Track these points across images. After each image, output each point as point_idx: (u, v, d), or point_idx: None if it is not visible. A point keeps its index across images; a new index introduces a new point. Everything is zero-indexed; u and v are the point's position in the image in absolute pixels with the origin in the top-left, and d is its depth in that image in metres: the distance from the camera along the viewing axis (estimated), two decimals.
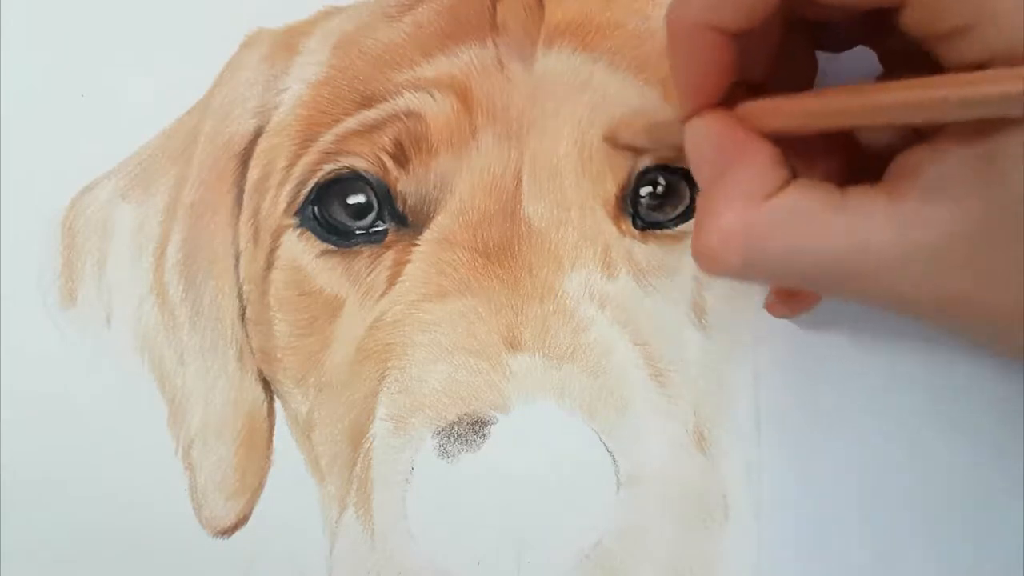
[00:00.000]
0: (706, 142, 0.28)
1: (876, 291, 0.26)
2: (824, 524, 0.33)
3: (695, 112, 0.28)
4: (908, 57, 0.27)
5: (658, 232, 0.34)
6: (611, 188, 0.34)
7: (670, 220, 0.34)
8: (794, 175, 0.27)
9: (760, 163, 0.27)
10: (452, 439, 0.31)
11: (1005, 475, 0.33)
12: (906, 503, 0.33)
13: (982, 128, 0.24)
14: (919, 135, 0.26)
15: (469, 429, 0.31)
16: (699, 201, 0.28)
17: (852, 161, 0.30)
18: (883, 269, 0.25)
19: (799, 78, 0.31)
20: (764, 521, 0.33)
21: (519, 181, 0.34)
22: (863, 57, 0.30)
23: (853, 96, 0.25)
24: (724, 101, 0.28)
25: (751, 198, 0.26)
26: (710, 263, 0.27)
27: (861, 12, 0.26)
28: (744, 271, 0.27)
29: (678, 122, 0.29)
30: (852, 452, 0.33)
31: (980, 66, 0.23)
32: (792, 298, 0.34)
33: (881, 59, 0.30)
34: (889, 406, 0.33)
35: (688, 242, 0.34)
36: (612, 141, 0.33)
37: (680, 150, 0.29)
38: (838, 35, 0.29)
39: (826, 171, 0.29)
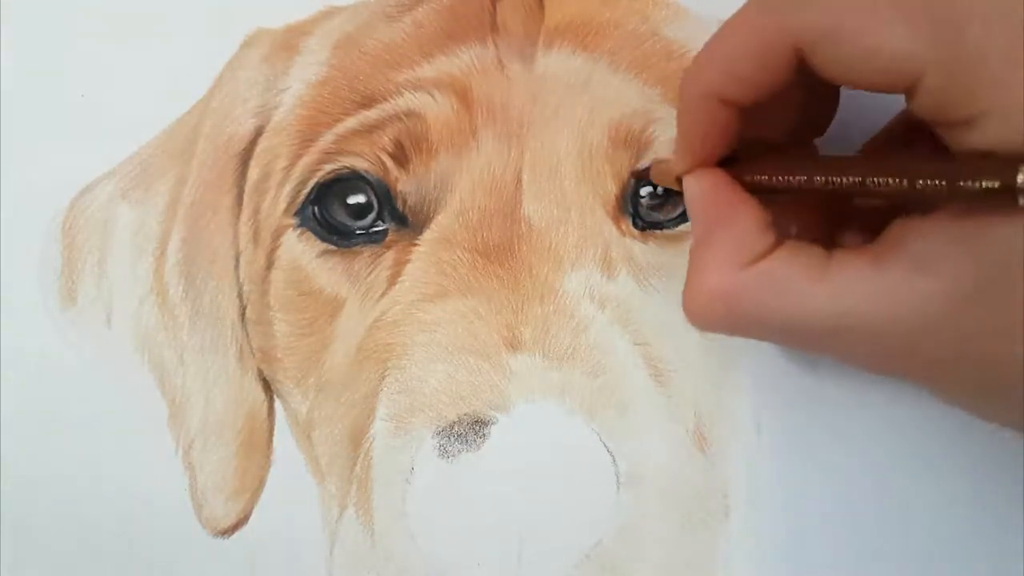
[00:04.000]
0: (697, 200, 0.29)
1: (857, 355, 0.27)
2: (823, 524, 0.33)
3: (692, 168, 0.29)
4: None
5: (658, 232, 0.34)
6: (611, 188, 0.34)
7: (670, 220, 0.34)
8: (782, 237, 0.28)
9: (746, 227, 0.28)
10: (452, 439, 0.31)
11: (1006, 475, 0.33)
12: (906, 503, 0.33)
13: (971, 208, 0.24)
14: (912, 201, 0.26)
15: (469, 429, 0.31)
16: (690, 256, 0.29)
17: (847, 216, 0.30)
18: (864, 336, 0.26)
19: (821, 116, 0.31)
20: (764, 521, 0.33)
21: (519, 181, 0.34)
22: None
23: (844, 168, 0.26)
24: (732, 155, 0.29)
25: (735, 263, 0.27)
26: (697, 320, 0.29)
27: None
28: (728, 330, 0.29)
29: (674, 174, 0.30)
30: (852, 452, 0.33)
31: (985, 153, 0.24)
32: None
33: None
34: (889, 406, 0.33)
35: (689, 242, 0.34)
36: (642, 175, 0.33)
37: None
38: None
39: (818, 224, 0.30)
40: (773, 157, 0.29)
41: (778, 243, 0.27)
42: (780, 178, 0.28)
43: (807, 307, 0.26)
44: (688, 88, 0.28)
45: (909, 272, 0.25)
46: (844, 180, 0.26)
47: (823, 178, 0.27)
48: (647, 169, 0.33)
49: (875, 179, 0.25)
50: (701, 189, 0.29)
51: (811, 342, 0.28)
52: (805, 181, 0.27)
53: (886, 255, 0.26)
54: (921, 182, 0.24)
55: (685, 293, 0.29)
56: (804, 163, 0.28)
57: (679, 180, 0.31)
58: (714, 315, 0.28)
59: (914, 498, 0.33)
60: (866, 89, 0.26)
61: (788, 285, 0.26)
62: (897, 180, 0.25)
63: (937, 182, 0.24)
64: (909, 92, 0.25)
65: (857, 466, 0.33)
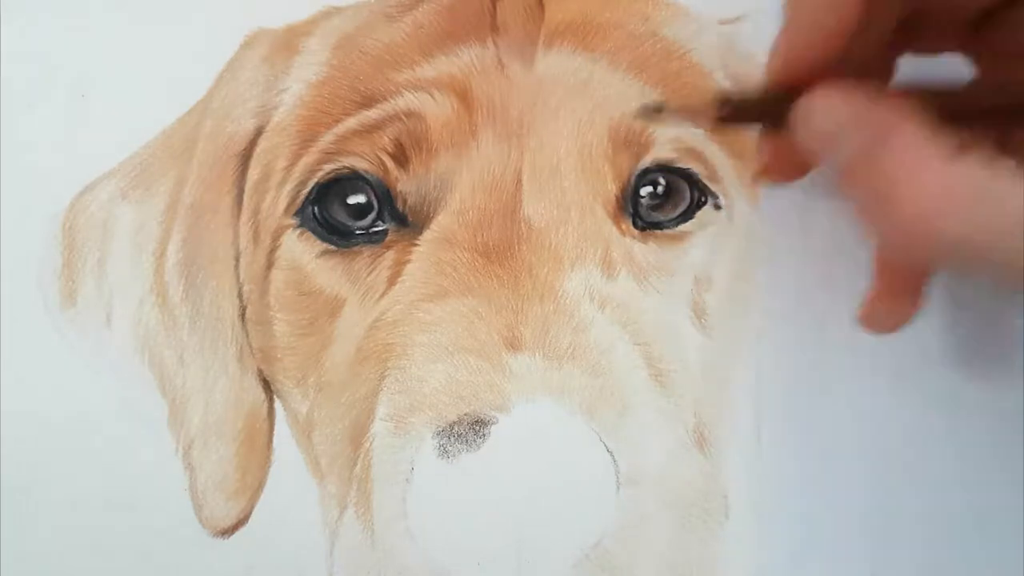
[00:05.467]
0: (846, 113, 0.25)
1: None
2: (824, 524, 0.33)
3: (795, 80, 0.26)
4: (1006, 60, 0.26)
5: (658, 232, 0.34)
6: (611, 188, 0.34)
7: (670, 220, 0.34)
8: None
9: (930, 124, 0.24)
10: (452, 439, 0.31)
11: (1006, 475, 0.33)
12: (906, 503, 0.33)
13: None
14: None
15: (469, 429, 0.31)
16: (862, 176, 0.24)
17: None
18: None
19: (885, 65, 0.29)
20: (764, 521, 0.33)
21: (519, 181, 0.34)
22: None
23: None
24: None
25: (945, 157, 0.23)
26: (919, 231, 0.23)
27: None
28: (959, 240, 0.23)
29: (772, 92, 0.27)
30: (852, 452, 0.33)
31: None
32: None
33: (977, 61, 0.28)
34: (889, 407, 0.33)
35: (689, 242, 0.34)
36: (650, 115, 0.31)
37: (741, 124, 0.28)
38: (939, 33, 0.28)
39: None
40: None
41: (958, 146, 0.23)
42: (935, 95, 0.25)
43: None
44: None
45: None
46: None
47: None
48: (657, 108, 0.31)
49: None
50: (848, 98, 0.25)
51: None
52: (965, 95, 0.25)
53: None
54: None
55: (899, 207, 0.23)
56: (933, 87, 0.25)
57: (724, 112, 0.28)
58: (945, 217, 0.23)
59: (914, 498, 0.33)
60: None
61: (1010, 181, 0.22)
62: None
63: None
64: None
65: (857, 466, 0.33)
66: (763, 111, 0.27)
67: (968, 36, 0.28)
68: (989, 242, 0.23)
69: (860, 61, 0.26)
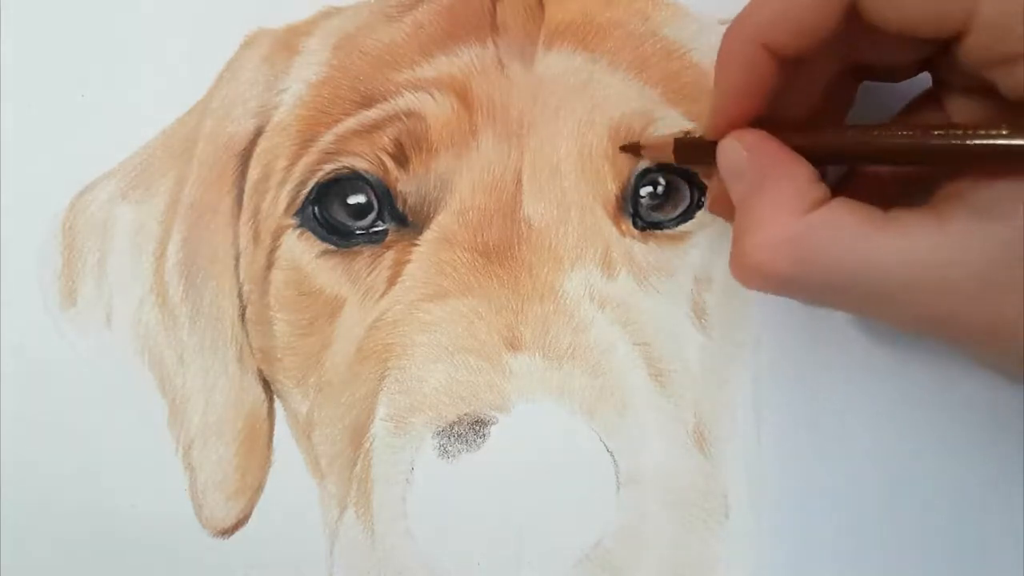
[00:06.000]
0: (742, 158, 0.28)
1: (924, 310, 0.25)
2: (823, 524, 0.33)
3: (725, 131, 0.29)
4: (962, 85, 0.27)
5: (658, 232, 0.34)
6: (611, 188, 0.34)
7: (670, 220, 0.34)
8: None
9: (800, 178, 0.27)
10: (452, 439, 0.31)
11: (1006, 474, 0.33)
12: (905, 502, 0.33)
13: None
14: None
15: (469, 429, 0.31)
16: (737, 216, 0.28)
17: (885, 187, 0.30)
18: (932, 286, 0.25)
19: (835, 109, 0.31)
20: (764, 521, 0.33)
21: (519, 181, 0.34)
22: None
23: (870, 137, 0.26)
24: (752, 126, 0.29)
25: (795, 210, 0.26)
26: (755, 275, 0.27)
27: (917, 43, 0.26)
28: (790, 283, 0.27)
29: (705, 139, 0.29)
30: (852, 452, 0.33)
31: None
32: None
33: (936, 82, 0.30)
34: (889, 406, 0.33)
35: (689, 242, 0.34)
36: (632, 150, 0.33)
37: (705, 167, 0.30)
38: (890, 70, 0.30)
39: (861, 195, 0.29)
40: (799, 129, 0.28)
41: (830, 197, 0.27)
42: (827, 144, 0.27)
43: (873, 255, 0.25)
44: (735, 33, 0.28)
45: (973, 220, 0.24)
46: (895, 140, 0.26)
47: (865, 142, 0.27)
48: (636, 145, 0.33)
49: (931, 137, 0.25)
50: (746, 145, 0.28)
51: (875, 294, 0.26)
52: (854, 145, 0.27)
53: (946, 207, 0.25)
54: (993, 132, 0.24)
55: (743, 248, 0.27)
56: (836, 132, 0.28)
57: (678, 153, 0.31)
58: (780, 265, 0.26)
59: (915, 498, 0.33)
60: (914, 33, 0.25)
61: (854, 231, 0.25)
62: (960, 134, 0.25)
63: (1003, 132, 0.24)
64: (961, 32, 0.24)
65: (857, 466, 0.33)
66: (709, 152, 0.30)
67: (923, 68, 0.29)
68: (812, 287, 0.27)
69: (813, 93, 0.29)
